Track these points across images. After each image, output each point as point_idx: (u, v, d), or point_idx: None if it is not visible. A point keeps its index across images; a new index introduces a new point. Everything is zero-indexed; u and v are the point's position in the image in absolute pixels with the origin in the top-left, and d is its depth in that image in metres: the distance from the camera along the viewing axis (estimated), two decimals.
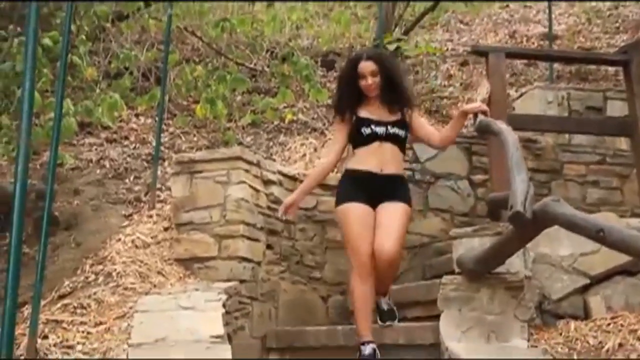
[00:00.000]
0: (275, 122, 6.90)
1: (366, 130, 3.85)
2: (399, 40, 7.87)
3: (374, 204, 3.83)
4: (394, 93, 3.91)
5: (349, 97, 3.91)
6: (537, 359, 3.74)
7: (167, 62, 5.67)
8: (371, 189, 3.81)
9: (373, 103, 3.93)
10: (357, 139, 3.89)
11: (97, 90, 6.37)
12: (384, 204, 3.82)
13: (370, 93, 3.90)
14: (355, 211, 3.78)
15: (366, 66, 3.86)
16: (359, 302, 3.79)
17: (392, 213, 3.78)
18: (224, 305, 4.04)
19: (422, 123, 4.09)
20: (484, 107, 3.95)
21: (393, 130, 3.88)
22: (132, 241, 4.70)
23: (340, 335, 4.52)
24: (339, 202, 3.88)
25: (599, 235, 2.74)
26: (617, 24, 8.81)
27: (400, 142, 3.91)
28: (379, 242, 3.71)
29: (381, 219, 3.77)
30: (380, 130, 3.86)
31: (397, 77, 3.97)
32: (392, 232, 3.72)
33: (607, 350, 3.72)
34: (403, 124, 3.92)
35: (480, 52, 5.33)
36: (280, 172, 5.14)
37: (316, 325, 4.97)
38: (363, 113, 3.91)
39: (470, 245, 4.23)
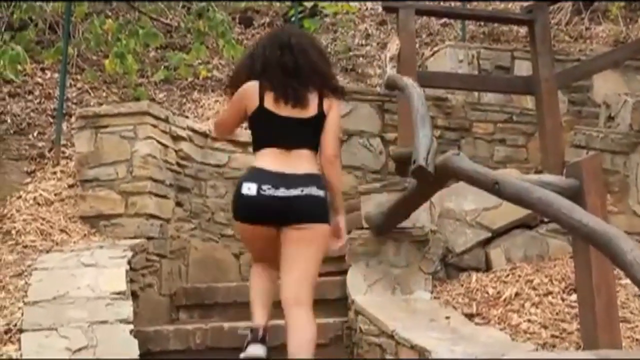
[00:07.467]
0: (189, 79, 6.77)
1: None
2: None
3: None
4: None
5: None
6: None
7: (69, 12, 5.44)
8: None
9: None
10: None
11: None
12: None
13: None
14: None
15: None
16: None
17: None
18: (129, 263, 3.97)
19: None
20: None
21: None
22: (34, 198, 4.55)
23: None
24: None
25: (494, 188, 2.80)
26: None
27: None
28: None
29: None
30: None
31: None
32: None
33: (505, 300, 3.86)
34: None
35: (391, 8, 5.32)
36: (190, 128, 5.05)
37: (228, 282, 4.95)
38: None
39: (378, 200, 4.28)
